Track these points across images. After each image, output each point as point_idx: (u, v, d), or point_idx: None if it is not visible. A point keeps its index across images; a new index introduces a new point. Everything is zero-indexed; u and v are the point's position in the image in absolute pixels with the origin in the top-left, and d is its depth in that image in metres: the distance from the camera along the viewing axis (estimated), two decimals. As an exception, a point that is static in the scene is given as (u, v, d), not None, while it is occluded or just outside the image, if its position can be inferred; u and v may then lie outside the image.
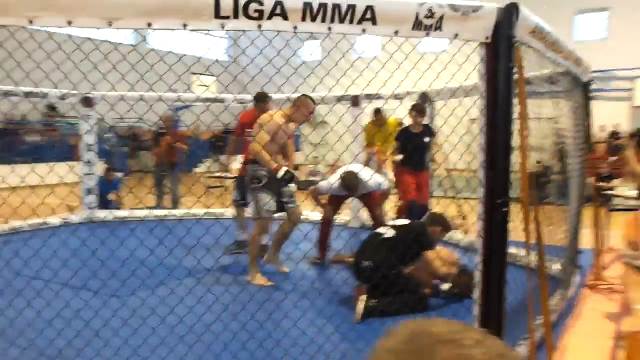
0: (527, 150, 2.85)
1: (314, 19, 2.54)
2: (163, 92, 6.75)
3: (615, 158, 16.94)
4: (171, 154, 8.67)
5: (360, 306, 3.74)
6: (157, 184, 8.91)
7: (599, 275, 4.71)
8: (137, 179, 10.81)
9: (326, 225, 5.39)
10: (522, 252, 3.90)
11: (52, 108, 16.33)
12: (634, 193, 6.68)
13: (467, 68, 3.34)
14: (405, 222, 4.37)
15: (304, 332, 3.31)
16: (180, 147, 8.74)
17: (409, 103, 6.60)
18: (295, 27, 2.55)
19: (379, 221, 5.29)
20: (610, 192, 7.17)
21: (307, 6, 2.51)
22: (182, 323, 3.24)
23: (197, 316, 3.33)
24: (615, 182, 10.31)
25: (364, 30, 2.60)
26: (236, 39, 22.09)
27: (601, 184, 5.68)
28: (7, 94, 6.75)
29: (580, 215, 4.69)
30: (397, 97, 6.99)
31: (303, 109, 4.63)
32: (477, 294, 2.74)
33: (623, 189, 7.37)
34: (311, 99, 4.70)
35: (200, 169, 16.31)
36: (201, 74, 16.02)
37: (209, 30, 2.55)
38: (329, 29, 2.58)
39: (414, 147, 5.89)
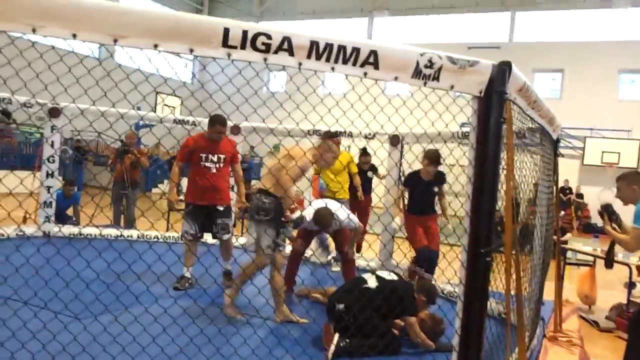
0: (511, 203, 2.93)
1: (318, 58, 2.58)
2: (127, 109, 6.69)
3: (563, 212, 17.73)
4: (133, 172, 8.55)
5: (332, 346, 3.72)
6: (114, 202, 8.71)
7: (559, 327, 4.83)
8: (93, 196, 10.50)
9: (295, 259, 5.37)
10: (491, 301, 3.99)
11: (6, 114, 15.69)
12: (588, 248, 6.96)
13: (432, 114, 3.45)
14: (392, 276, 4.21)
15: None
16: (143, 162, 8.70)
17: (359, 141, 6.85)
18: (300, 64, 2.58)
19: (348, 259, 5.30)
20: (565, 246, 7.46)
21: (314, 44, 2.55)
22: (144, 353, 3.13)
23: (158, 345, 3.22)
24: (567, 235, 10.74)
25: (365, 74, 2.65)
26: (205, 64, 22.13)
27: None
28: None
29: (547, 266, 4.82)
30: (366, 136, 7.15)
31: (329, 155, 4.58)
32: (455, 340, 2.77)
33: (577, 244, 7.68)
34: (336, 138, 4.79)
35: (159, 189, 16.02)
36: (167, 94, 15.85)
37: (214, 58, 2.54)
38: (332, 68, 2.61)
39: (419, 193, 5.78)
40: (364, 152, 7.91)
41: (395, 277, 4.21)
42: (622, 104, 19.91)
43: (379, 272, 4.27)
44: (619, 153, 18.60)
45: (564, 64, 20.71)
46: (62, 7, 2.30)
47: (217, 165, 5.39)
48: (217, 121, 5.31)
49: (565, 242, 8.60)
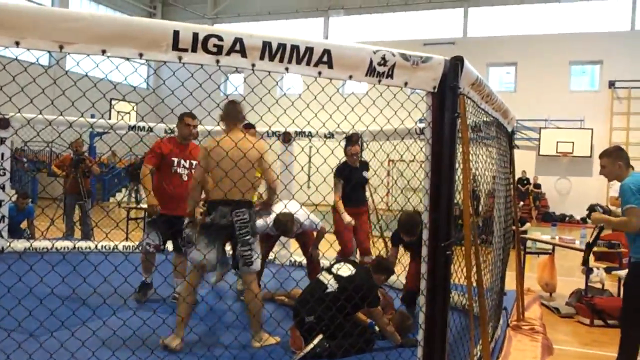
0: (468, 196, 2.97)
1: (272, 58, 2.56)
2: (78, 117, 6.51)
3: (522, 203, 18.16)
4: (86, 181, 8.38)
5: (306, 350, 3.74)
6: (67, 213, 8.50)
7: (521, 316, 4.93)
8: (44, 207, 10.23)
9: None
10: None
11: None
12: (547, 237, 7.14)
13: (388, 112, 3.47)
14: (348, 271, 4.12)
15: None
16: (94, 169, 8.57)
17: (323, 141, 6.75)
18: (253, 65, 2.55)
19: (313, 261, 5.29)
20: (525, 236, 7.63)
21: (267, 45, 2.53)
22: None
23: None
24: (527, 225, 11.00)
25: (319, 73, 2.64)
26: (156, 68, 21.79)
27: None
28: None
29: (507, 257, 4.92)
30: (326, 135, 7.16)
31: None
32: (420, 335, 2.79)
33: (537, 233, 7.87)
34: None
35: (117, 197, 15.69)
36: (120, 100, 15.57)
37: (164, 62, 2.49)
38: (286, 68, 2.61)
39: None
40: (349, 140, 5.72)
41: (352, 270, 4.13)
42: (574, 94, 20.55)
43: (334, 269, 4.19)
44: (572, 142, 19.20)
45: (516, 57, 21.23)
46: (4, 14, 2.22)
47: (188, 172, 5.02)
48: (187, 115, 4.97)
49: (525, 232, 8.81)
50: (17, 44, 2.24)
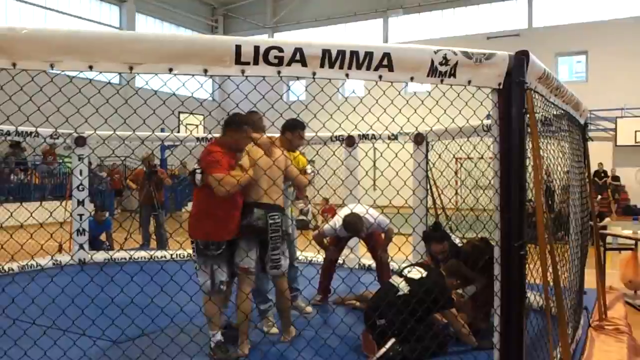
0: (541, 193, 2.87)
1: (332, 65, 2.58)
2: (149, 132, 6.78)
3: (600, 197, 17.33)
4: (159, 193, 8.71)
5: (379, 354, 3.72)
6: (142, 225, 8.87)
7: (604, 316, 4.70)
8: (124, 219, 10.74)
9: (329, 267, 5.37)
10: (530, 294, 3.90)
11: (16, 145, 15.87)
12: (628, 232, 6.77)
13: (452, 110, 3.39)
14: (419, 274, 4.08)
15: None
16: (167, 181, 8.89)
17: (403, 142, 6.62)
18: (314, 73, 2.58)
19: (382, 263, 5.27)
20: (605, 232, 7.27)
21: (326, 53, 2.55)
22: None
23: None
24: (606, 220, 10.49)
25: (380, 77, 2.64)
26: (221, 82, 22.40)
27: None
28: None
29: (585, 254, 4.71)
30: (389, 137, 7.10)
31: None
32: (496, 338, 2.72)
33: (617, 228, 7.49)
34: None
35: (189, 207, 16.22)
36: (189, 113, 16.09)
37: (228, 76, 2.56)
38: (347, 74, 2.62)
39: None
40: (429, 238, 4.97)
41: (423, 273, 4.09)
42: (653, 80, 19.38)
43: (406, 272, 4.15)
44: (652, 130, 18.09)
45: (587, 45, 20.27)
46: (78, 40, 2.36)
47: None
48: (245, 122, 3.91)
49: (605, 227, 8.40)
50: (91, 67, 2.37)
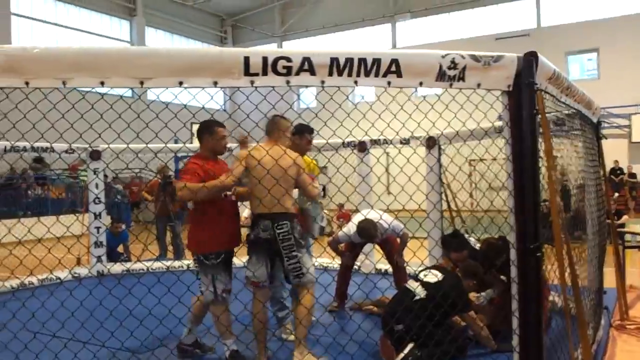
0: (555, 193, 2.86)
1: (340, 73, 2.60)
2: (163, 145, 6.84)
3: (617, 194, 17.14)
4: (174, 204, 8.73)
5: (399, 356, 3.72)
6: (159, 236, 8.92)
7: (625, 315, 4.65)
8: (140, 231, 10.84)
9: (345, 273, 5.37)
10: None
11: (39, 160, 16.17)
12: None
13: (463, 113, 3.40)
14: (435, 278, 4.05)
15: None
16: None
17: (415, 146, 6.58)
18: (323, 82, 2.60)
19: (399, 268, 5.26)
20: (622, 230, 7.19)
21: (334, 61, 2.57)
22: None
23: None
24: (624, 218, 10.37)
25: (389, 83, 2.65)
26: (231, 94, 22.52)
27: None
28: (14, 149, 6.76)
29: (603, 253, 4.66)
30: (401, 141, 7.08)
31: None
32: (515, 340, 2.70)
33: (635, 226, 7.40)
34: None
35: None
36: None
37: (238, 88, 2.59)
38: (355, 82, 2.63)
39: None
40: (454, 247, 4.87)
41: (439, 276, 4.06)
42: (665, 74, 19.17)
43: (422, 276, 4.13)
44: (668, 126, 17.88)
45: (598, 43, 20.09)
46: (88, 58, 2.40)
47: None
48: (215, 124, 4.02)
49: (622, 225, 8.30)
50: (102, 83, 2.41)
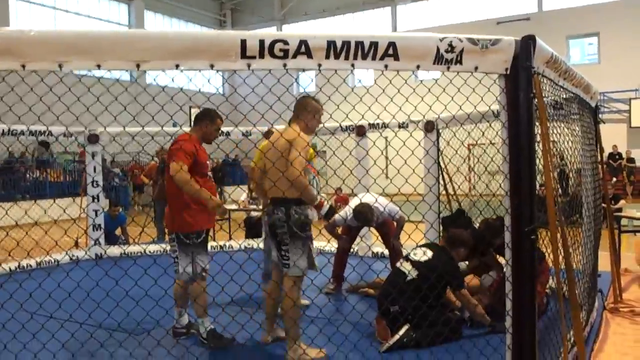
0: (551, 177, 2.87)
1: (337, 57, 2.59)
2: (159, 128, 6.82)
3: (615, 179, 17.17)
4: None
5: (393, 340, 3.76)
6: (157, 219, 8.94)
7: (619, 298, 4.69)
8: (136, 213, 10.89)
9: (342, 256, 5.41)
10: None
11: (45, 144, 16.28)
12: (643, 214, 6.72)
13: (460, 97, 3.40)
14: (425, 256, 4.08)
15: (330, 358, 3.41)
16: None
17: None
18: (319, 65, 2.59)
19: (395, 251, 5.29)
20: (619, 214, 7.22)
21: (331, 44, 2.56)
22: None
23: (213, 356, 3.31)
24: (621, 202, 10.41)
25: (386, 66, 2.65)
26: (228, 76, 22.41)
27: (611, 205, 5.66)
28: (11, 132, 6.75)
29: (599, 237, 4.69)
30: (400, 125, 7.08)
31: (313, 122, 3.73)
32: (508, 322, 2.73)
33: (632, 210, 7.43)
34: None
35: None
36: (199, 108, 16.15)
37: (235, 71, 2.58)
38: (352, 65, 2.63)
39: None
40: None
41: (429, 254, 4.09)
42: (666, 59, 19.11)
43: (412, 256, 4.13)
44: (667, 111, 17.85)
45: (598, 27, 20.02)
46: (85, 40, 2.40)
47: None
48: (218, 115, 4.12)
49: (619, 210, 8.34)
50: (99, 66, 2.40)
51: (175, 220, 3.89)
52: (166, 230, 4.76)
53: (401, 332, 3.78)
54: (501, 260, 4.15)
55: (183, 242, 3.85)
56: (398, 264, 4.26)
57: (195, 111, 17.95)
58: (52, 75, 2.49)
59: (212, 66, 2.51)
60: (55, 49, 2.35)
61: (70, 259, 7.16)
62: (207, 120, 4.03)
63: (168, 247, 7.60)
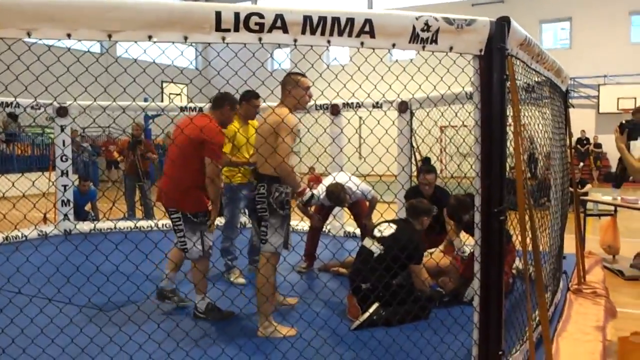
0: (521, 159, 2.91)
1: (313, 32, 2.56)
2: (131, 102, 6.69)
3: (582, 164, 17.54)
4: (144, 163, 8.66)
5: (362, 318, 3.80)
6: (128, 195, 8.84)
7: (582, 280, 4.82)
8: (107, 188, 10.71)
9: (314, 234, 5.44)
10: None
11: (13, 117, 15.89)
12: (608, 198, 6.90)
13: (434, 78, 3.42)
14: (390, 229, 4.14)
15: (301, 335, 3.42)
16: (151, 156, 8.82)
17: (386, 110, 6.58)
18: (295, 40, 2.56)
19: (367, 230, 5.33)
20: (585, 198, 7.39)
21: (307, 19, 2.53)
22: (169, 338, 3.24)
23: (183, 331, 3.31)
24: (587, 186, 10.66)
25: (362, 43, 2.63)
26: (202, 49, 22.01)
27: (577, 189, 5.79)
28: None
29: (565, 220, 4.80)
30: (374, 105, 7.08)
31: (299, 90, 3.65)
32: (476, 301, 2.79)
33: (597, 195, 7.62)
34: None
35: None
36: (171, 82, 15.86)
37: (209, 43, 2.54)
38: (328, 41, 2.60)
39: None
40: (426, 167, 5.38)
41: (393, 227, 4.14)
42: (636, 47, 19.45)
43: (376, 232, 4.17)
44: (635, 98, 18.17)
45: (571, 12, 20.25)
46: (54, 8, 2.32)
47: None
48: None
49: (586, 194, 8.53)
50: (69, 35, 2.33)
51: (185, 200, 3.88)
52: (155, 207, 4.96)
53: (371, 309, 3.83)
54: (470, 240, 4.23)
55: (191, 221, 3.88)
56: (364, 242, 4.30)
57: (166, 85, 17.52)
58: (20, 43, 2.41)
59: (185, 38, 2.46)
60: (23, 16, 2.26)
61: (39, 234, 7.03)
62: (228, 106, 4.09)
63: (142, 224, 7.60)
